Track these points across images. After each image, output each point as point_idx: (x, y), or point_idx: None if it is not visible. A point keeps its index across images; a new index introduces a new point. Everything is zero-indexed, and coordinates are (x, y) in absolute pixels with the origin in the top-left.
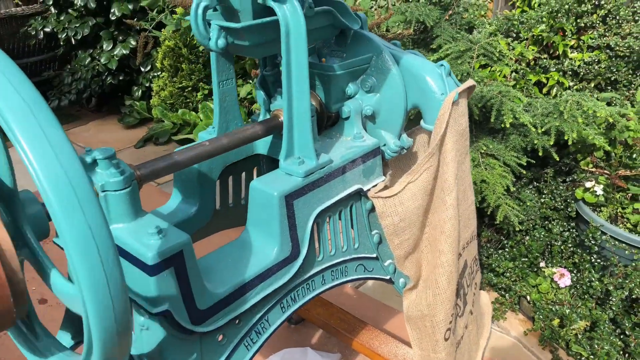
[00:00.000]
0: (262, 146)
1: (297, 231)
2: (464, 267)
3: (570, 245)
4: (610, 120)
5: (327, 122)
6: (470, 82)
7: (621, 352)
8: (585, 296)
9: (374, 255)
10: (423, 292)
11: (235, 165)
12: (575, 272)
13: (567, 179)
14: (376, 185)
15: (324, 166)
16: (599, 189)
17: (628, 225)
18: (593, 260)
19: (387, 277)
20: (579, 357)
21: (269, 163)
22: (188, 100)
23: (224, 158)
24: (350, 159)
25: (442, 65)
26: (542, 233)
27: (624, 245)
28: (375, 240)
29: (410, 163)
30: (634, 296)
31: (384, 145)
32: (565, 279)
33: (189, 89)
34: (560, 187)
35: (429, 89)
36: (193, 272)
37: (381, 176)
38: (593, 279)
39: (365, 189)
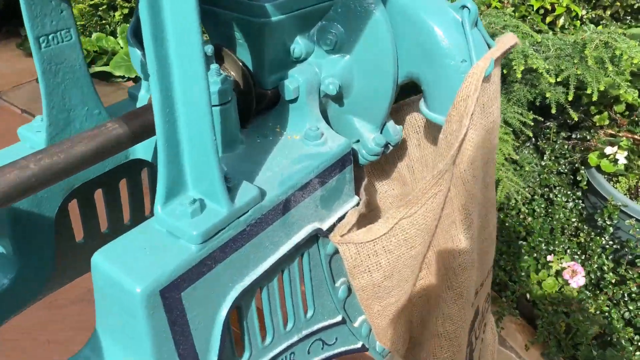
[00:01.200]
0: (142, 149)
1: (194, 342)
2: (475, 316)
3: (574, 219)
4: None
5: (258, 106)
6: (510, 39)
7: None
8: (597, 291)
9: (339, 319)
10: None
11: (97, 181)
12: (580, 254)
13: (574, 135)
14: (345, 215)
15: (247, 210)
16: (621, 157)
17: None
18: (604, 242)
19: (358, 345)
20: None
21: None
22: (104, 21)
23: (65, 182)
24: (299, 183)
25: (464, 6)
26: (543, 206)
27: None
28: (342, 296)
29: (394, 161)
30: None
31: (357, 141)
32: (578, 278)
33: (104, 7)
34: (565, 147)
35: (438, 50)
36: None
37: (352, 198)
38: (605, 269)
39: (325, 227)
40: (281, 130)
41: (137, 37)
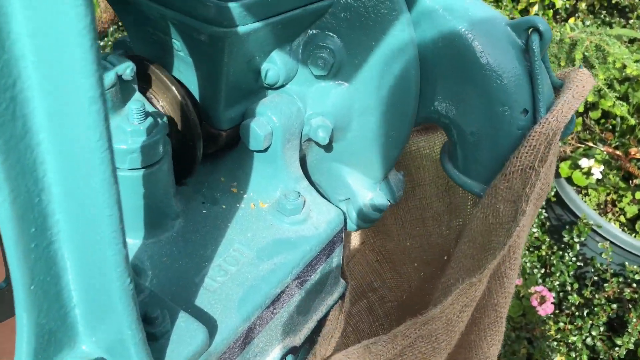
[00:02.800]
0: None
1: None
2: None
3: (535, 230)
4: (634, 73)
5: (206, 150)
6: (586, 79)
7: None
8: (558, 311)
9: None
10: None
11: None
12: (540, 267)
13: None
14: (327, 314)
15: None
16: (597, 171)
17: (620, 218)
18: (567, 258)
19: None
20: None
21: None
22: None
23: None
24: (269, 299)
25: (533, 28)
26: None
27: (622, 250)
28: None
29: None
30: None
31: (346, 199)
32: (547, 305)
33: None
34: None
35: (486, 91)
36: None
37: (338, 286)
38: (569, 289)
39: (300, 341)
40: (240, 192)
41: None
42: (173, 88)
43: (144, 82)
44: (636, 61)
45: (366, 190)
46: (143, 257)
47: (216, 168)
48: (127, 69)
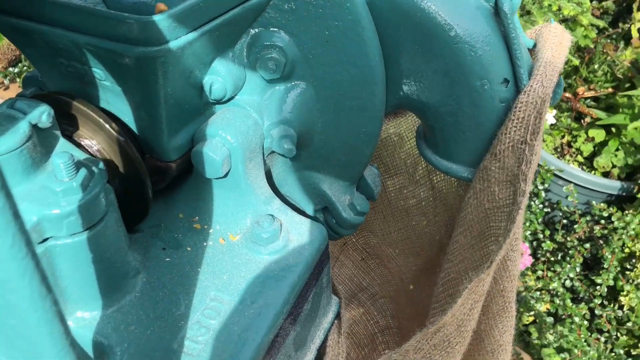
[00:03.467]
0: None
1: None
2: None
3: None
4: (572, 14)
5: (156, 186)
6: (563, 36)
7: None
8: (536, 262)
9: None
10: None
11: None
12: None
13: None
14: (325, 339)
15: None
16: (550, 117)
17: (578, 158)
18: (534, 206)
19: None
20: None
21: None
22: None
23: None
24: (259, 353)
25: None
26: None
27: (586, 189)
28: None
29: None
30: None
31: (323, 208)
32: (525, 258)
33: None
34: None
35: (458, 65)
36: None
37: (331, 305)
38: (541, 237)
39: None
40: (204, 227)
41: None
42: (105, 124)
43: (67, 123)
44: (570, 1)
45: (343, 194)
46: (107, 331)
47: (171, 204)
48: (42, 114)
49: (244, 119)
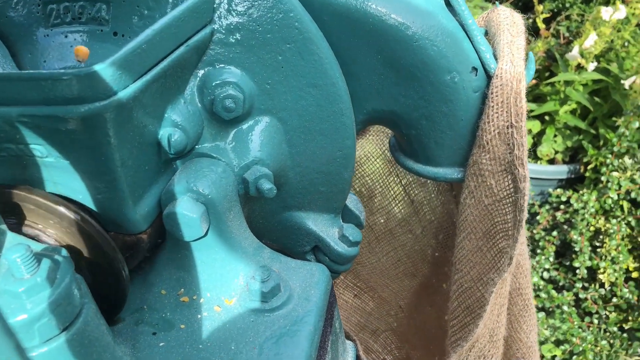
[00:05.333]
0: None
1: None
2: None
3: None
4: None
5: (130, 264)
6: (513, 15)
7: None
8: None
9: None
10: None
11: None
12: None
13: None
14: None
15: None
16: None
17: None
18: None
19: None
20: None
21: None
22: None
23: None
24: None
25: None
26: None
27: (537, 179)
28: None
29: None
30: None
31: (313, 247)
32: None
33: None
34: None
35: (420, 63)
36: None
37: (348, 351)
38: None
39: None
40: (194, 298)
41: None
42: (58, 207)
43: (12, 216)
44: (476, 7)
45: (331, 227)
46: None
47: (150, 282)
48: None
49: (212, 167)
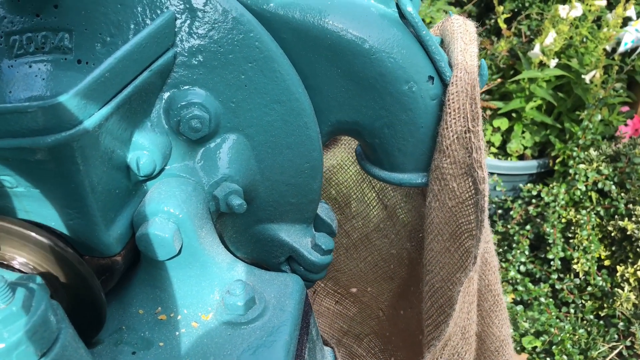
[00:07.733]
0: None
1: None
2: None
3: None
4: None
5: (106, 286)
6: (466, 24)
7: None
8: None
9: None
10: None
11: None
12: None
13: None
14: None
15: None
16: None
17: (492, 150)
18: None
19: None
20: None
21: None
22: None
23: None
24: None
25: None
26: None
27: (508, 175)
28: None
29: None
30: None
31: (287, 258)
32: None
33: None
34: None
35: (378, 75)
36: None
37: (326, 357)
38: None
39: None
40: (171, 316)
41: None
42: (30, 233)
43: None
44: (439, 11)
45: (304, 237)
46: None
47: (127, 303)
48: None
49: (182, 186)
